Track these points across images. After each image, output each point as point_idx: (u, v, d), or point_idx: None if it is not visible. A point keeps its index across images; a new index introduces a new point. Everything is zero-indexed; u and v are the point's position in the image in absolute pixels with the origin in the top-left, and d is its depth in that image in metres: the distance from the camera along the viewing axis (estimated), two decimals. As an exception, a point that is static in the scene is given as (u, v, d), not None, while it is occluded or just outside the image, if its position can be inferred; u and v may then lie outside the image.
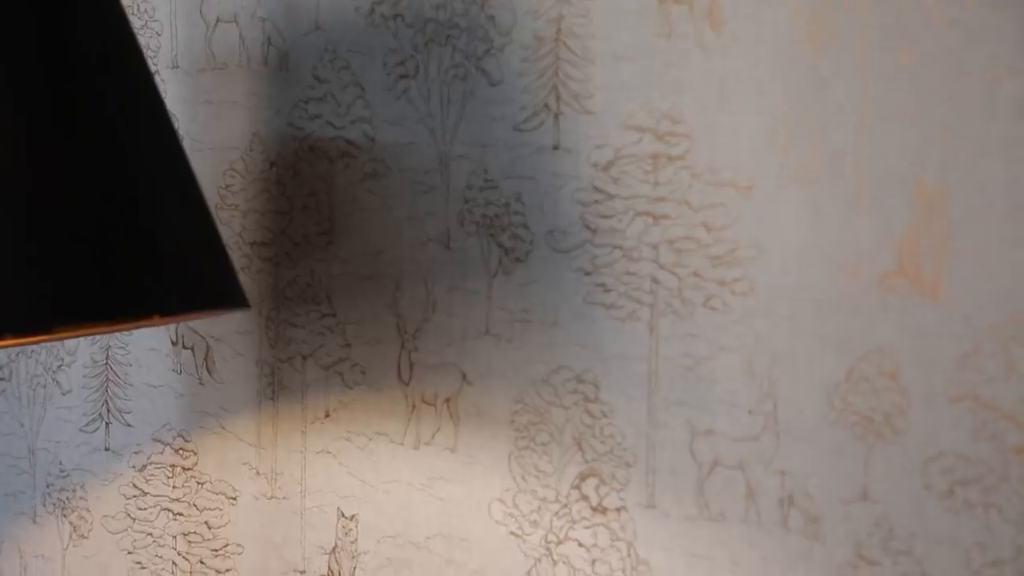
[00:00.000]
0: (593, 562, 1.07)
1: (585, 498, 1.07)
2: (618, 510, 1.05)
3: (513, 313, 1.10)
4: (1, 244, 0.87)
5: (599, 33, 1.04)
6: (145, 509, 1.34)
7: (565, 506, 1.08)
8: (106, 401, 1.37)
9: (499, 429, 1.11)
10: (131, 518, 1.35)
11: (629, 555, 1.05)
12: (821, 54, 0.95)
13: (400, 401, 1.17)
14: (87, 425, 1.39)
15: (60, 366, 1.40)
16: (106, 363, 1.37)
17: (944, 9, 0.90)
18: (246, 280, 1.25)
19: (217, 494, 1.29)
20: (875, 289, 0.93)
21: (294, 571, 1.23)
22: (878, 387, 0.93)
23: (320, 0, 1.20)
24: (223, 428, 1.28)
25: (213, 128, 1.28)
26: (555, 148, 1.07)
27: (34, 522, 1.43)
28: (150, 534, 1.34)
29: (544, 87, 1.07)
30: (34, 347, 1.42)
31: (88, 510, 1.39)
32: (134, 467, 1.35)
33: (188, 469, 1.31)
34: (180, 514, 1.32)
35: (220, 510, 1.29)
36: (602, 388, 1.06)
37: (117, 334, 1.36)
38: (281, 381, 1.24)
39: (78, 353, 1.39)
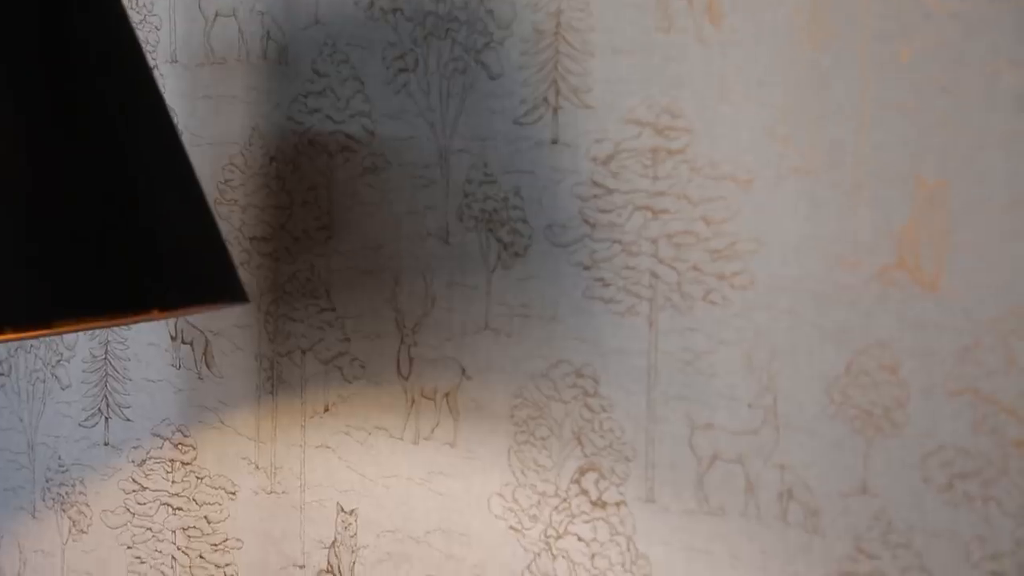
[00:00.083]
0: (592, 556, 1.07)
1: (584, 492, 1.07)
2: (617, 504, 1.05)
3: (512, 308, 1.10)
4: (1, 239, 0.86)
5: (598, 27, 1.04)
6: (144, 504, 1.34)
7: (564, 500, 1.08)
8: (105, 396, 1.37)
9: (498, 424, 1.11)
10: (130, 513, 1.35)
11: (628, 549, 1.05)
12: (821, 47, 0.95)
13: (399, 396, 1.17)
14: (86, 420, 1.39)
15: (59, 361, 1.40)
16: (105, 358, 1.37)
17: (944, 1, 0.90)
18: (245, 275, 1.25)
19: (216, 489, 1.29)
20: (875, 282, 0.93)
21: (293, 565, 1.23)
22: (878, 380, 0.93)
23: (319, -6, 1.20)
24: (222, 423, 1.28)
25: (212, 123, 1.27)
26: (554, 142, 1.07)
27: (33, 517, 1.43)
28: (149, 529, 1.34)
29: (543, 81, 1.07)
30: (33, 342, 1.42)
31: (87, 505, 1.39)
32: (133, 462, 1.35)
33: (187, 464, 1.31)
34: (179, 509, 1.32)
35: (219, 505, 1.29)
36: (601, 382, 1.06)
37: (116, 329, 1.36)
38: (280, 375, 1.24)
39: (77, 348, 1.39)
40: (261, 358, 1.26)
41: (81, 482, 1.39)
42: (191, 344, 1.31)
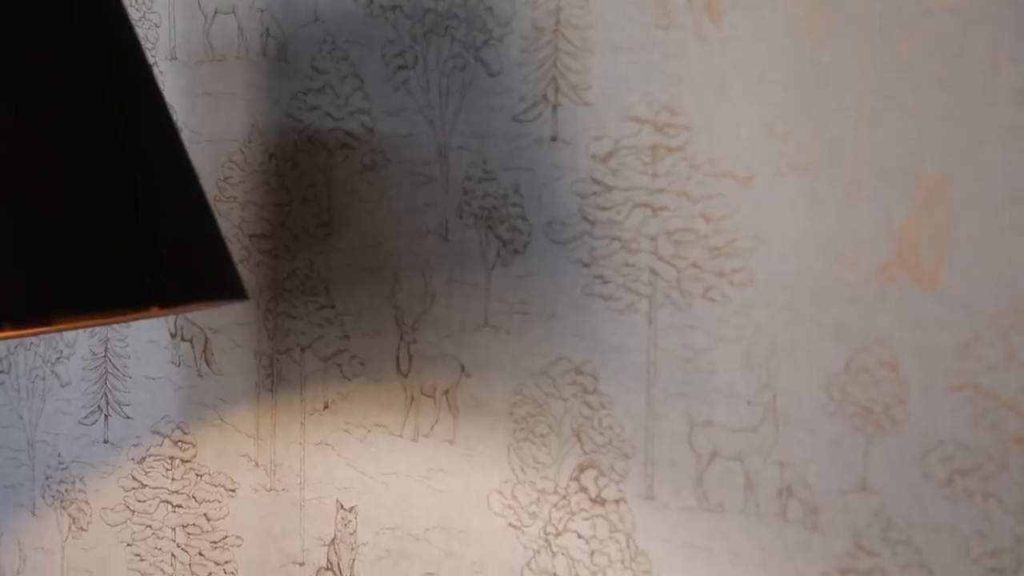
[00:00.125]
0: (592, 553, 1.07)
1: (584, 489, 1.07)
2: (617, 501, 1.05)
3: (511, 305, 1.10)
4: (0, 236, 0.86)
5: (598, 24, 1.04)
6: (144, 501, 1.34)
7: (564, 498, 1.08)
8: (105, 393, 1.37)
9: (498, 421, 1.11)
10: (130, 510, 1.35)
11: (628, 546, 1.05)
12: (820, 43, 0.95)
13: (399, 393, 1.17)
14: (86, 417, 1.39)
15: (59, 358, 1.40)
16: (105, 355, 1.37)
17: (943, -2, 0.90)
18: (245, 272, 1.25)
19: (216, 486, 1.29)
20: (874, 279, 0.93)
21: (293, 563, 1.23)
22: (877, 377, 0.93)
23: (319, -9, 1.20)
24: (222, 420, 1.28)
25: (211, 120, 1.27)
26: (553, 139, 1.07)
27: (33, 514, 1.43)
28: (149, 526, 1.34)
29: (543, 78, 1.07)
30: (33, 339, 1.42)
31: (87, 502, 1.39)
32: (133, 459, 1.35)
33: (187, 461, 1.31)
34: (179, 506, 1.32)
35: (219, 502, 1.29)
36: (601, 380, 1.06)
37: (116, 326, 1.36)
38: (280, 373, 1.24)
39: (77, 345, 1.39)
40: (261, 355, 1.26)
41: (81, 479, 1.39)
42: (191, 341, 1.31)
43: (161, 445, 1.33)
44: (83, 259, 0.89)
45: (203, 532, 1.30)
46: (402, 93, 1.15)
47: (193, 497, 1.31)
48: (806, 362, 0.96)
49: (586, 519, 1.07)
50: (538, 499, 1.09)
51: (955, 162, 0.90)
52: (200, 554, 1.30)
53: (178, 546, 1.32)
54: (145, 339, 1.34)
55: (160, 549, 1.33)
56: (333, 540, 1.21)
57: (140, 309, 1.05)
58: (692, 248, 1.01)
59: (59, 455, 1.41)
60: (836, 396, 0.95)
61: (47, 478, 1.42)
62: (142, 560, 1.35)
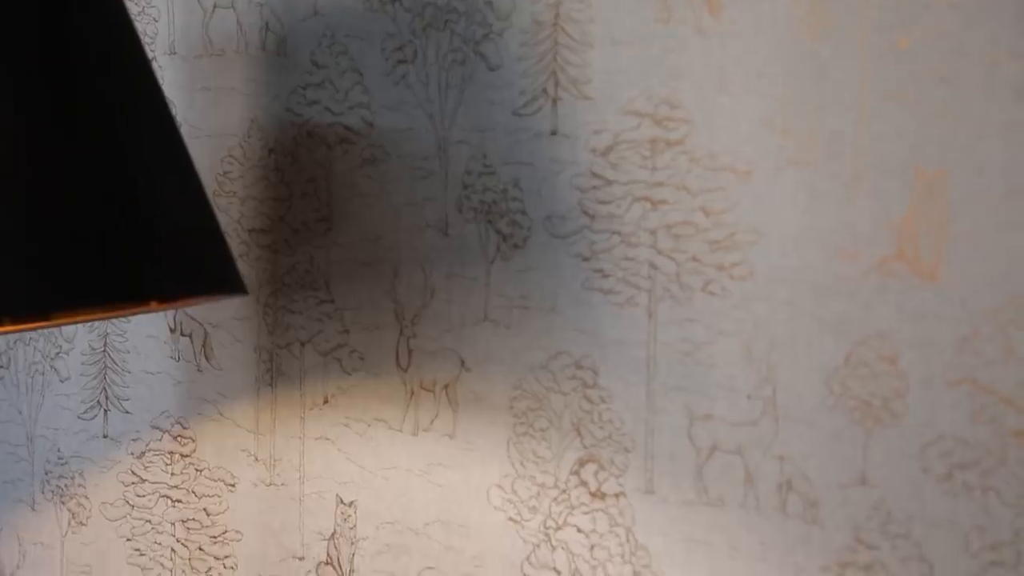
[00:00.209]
0: (592, 547, 1.07)
1: (584, 484, 1.07)
2: (617, 495, 1.05)
3: (511, 299, 1.10)
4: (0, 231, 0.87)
5: (598, 18, 1.04)
6: (144, 496, 1.34)
7: (564, 492, 1.08)
8: (104, 388, 1.37)
9: (497, 415, 1.11)
10: (130, 505, 1.35)
11: (628, 540, 1.05)
12: (820, 38, 0.95)
13: (398, 387, 1.17)
14: (85, 412, 1.39)
15: (58, 353, 1.40)
16: (104, 350, 1.37)
17: (943, -8, 0.90)
18: (244, 267, 1.25)
19: (216, 481, 1.29)
20: (874, 273, 0.93)
21: (293, 557, 1.24)
22: (877, 371, 0.93)
23: (318, -14, 1.20)
24: (221, 415, 1.28)
25: (211, 115, 1.27)
26: (553, 133, 1.07)
27: (33, 509, 1.43)
28: (149, 521, 1.34)
29: (543, 72, 1.07)
30: (32, 334, 1.42)
31: (87, 497, 1.39)
32: (132, 454, 1.35)
33: (186, 456, 1.31)
34: (179, 501, 1.32)
35: (219, 497, 1.29)
36: (600, 374, 1.06)
37: (115, 321, 1.36)
38: (279, 367, 1.24)
39: (76, 340, 1.39)
40: (260, 350, 1.26)
41: (80, 474, 1.39)
42: (190, 336, 1.31)
43: (160, 440, 1.33)
44: (82, 254, 0.89)
45: (203, 527, 1.30)
46: (402, 87, 1.15)
47: (193, 492, 1.31)
48: (806, 356, 0.96)
49: (586, 513, 1.07)
50: (538, 493, 1.09)
51: (954, 157, 0.90)
52: (200, 549, 1.30)
53: (178, 541, 1.32)
54: (144, 334, 1.34)
55: (160, 544, 1.33)
56: (333, 535, 1.21)
57: (139, 303, 1.05)
58: (692, 242, 1.01)
59: (58, 450, 1.41)
60: (836, 390, 0.95)
61: (46, 473, 1.42)
62: (142, 555, 1.35)
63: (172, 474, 1.32)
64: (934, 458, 0.92)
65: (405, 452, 1.16)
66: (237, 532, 1.28)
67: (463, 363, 1.13)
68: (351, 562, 1.20)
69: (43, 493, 1.42)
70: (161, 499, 1.33)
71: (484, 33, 1.10)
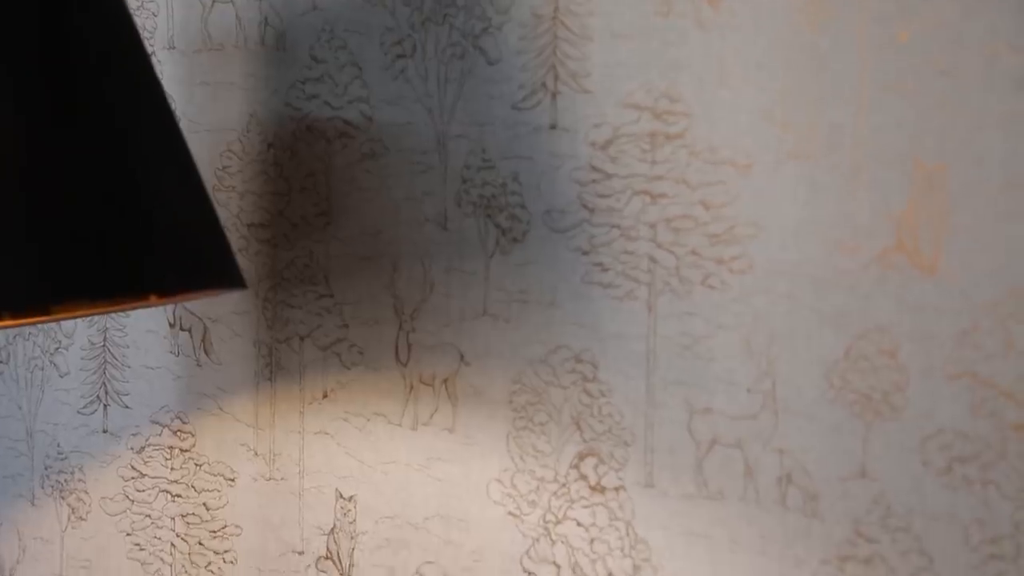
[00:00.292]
0: (591, 541, 1.07)
1: (583, 477, 1.07)
2: (616, 489, 1.05)
3: (511, 293, 1.10)
4: (-1, 225, 0.87)
5: (597, 11, 1.04)
6: (143, 491, 1.34)
7: (563, 486, 1.08)
8: (104, 383, 1.37)
9: (497, 409, 1.11)
10: (129, 500, 1.35)
11: (627, 534, 1.05)
12: (819, 30, 0.95)
13: (398, 382, 1.17)
14: (85, 407, 1.39)
15: (58, 348, 1.40)
16: (104, 345, 1.37)
17: (942, -16, 0.90)
18: (244, 262, 1.25)
19: (215, 475, 1.29)
20: (874, 266, 0.93)
21: (292, 552, 1.24)
22: (876, 365, 0.93)
23: (317, -20, 1.20)
24: (221, 409, 1.28)
25: (210, 109, 1.27)
26: (552, 127, 1.07)
27: (32, 504, 1.43)
28: (148, 516, 1.34)
29: (542, 66, 1.07)
30: (32, 329, 1.42)
31: (86, 492, 1.39)
32: (132, 449, 1.35)
33: (186, 451, 1.31)
34: (178, 496, 1.32)
35: (218, 491, 1.29)
36: (600, 367, 1.06)
37: (114, 316, 1.36)
38: (279, 362, 1.24)
39: (76, 335, 1.39)
40: (259, 345, 1.25)
41: (80, 469, 1.39)
42: (189, 331, 1.30)
43: (160, 435, 1.33)
44: (82, 249, 0.89)
45: (202, 521, 1.30)
46: (401, 81, 1.15)
47: (192, 486, 1.31)
48: (805, 349, 0.96)
49: (586, 507, 1.07)
50: (537, 487, 1.09)
51: (954, 149, 0.90)
52: (199, 543, 1.30)
53: (177, 535, 1.32)
54: (144, 329, 1.34)
55: (159, 538, 1.33)
56: (332, 529, 1.21)
57: (138, 298, 1.05)
58: (691, 235, 1.01)
59: (58, 445, 1.41)
60: (835, 383, 0.95)
61: (46, 468, 1.42)
62: (141, 550, 1.35)
63: (172, 469, 1.32)
64: (934, 451, 0.92)
65: (404, 446, 1.16)
66: (237, 526, 1.28)
67: (462, 357, 1.13)
68: (351, 556, 1.20)
69: (43, 488, 1.42)
70: (161, 494, 1.33)
71: (483, 27, 1.10)
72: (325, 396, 1.21)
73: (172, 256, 0.95)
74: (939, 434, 0.91)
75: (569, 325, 1.07)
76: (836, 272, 0.95)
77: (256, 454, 1.26)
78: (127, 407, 1.35)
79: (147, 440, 1.34)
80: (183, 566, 1.32)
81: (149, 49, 1.30)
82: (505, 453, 1.10)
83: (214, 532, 1.29)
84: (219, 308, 1.28)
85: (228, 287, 1.00)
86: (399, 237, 1.16)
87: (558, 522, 1.08)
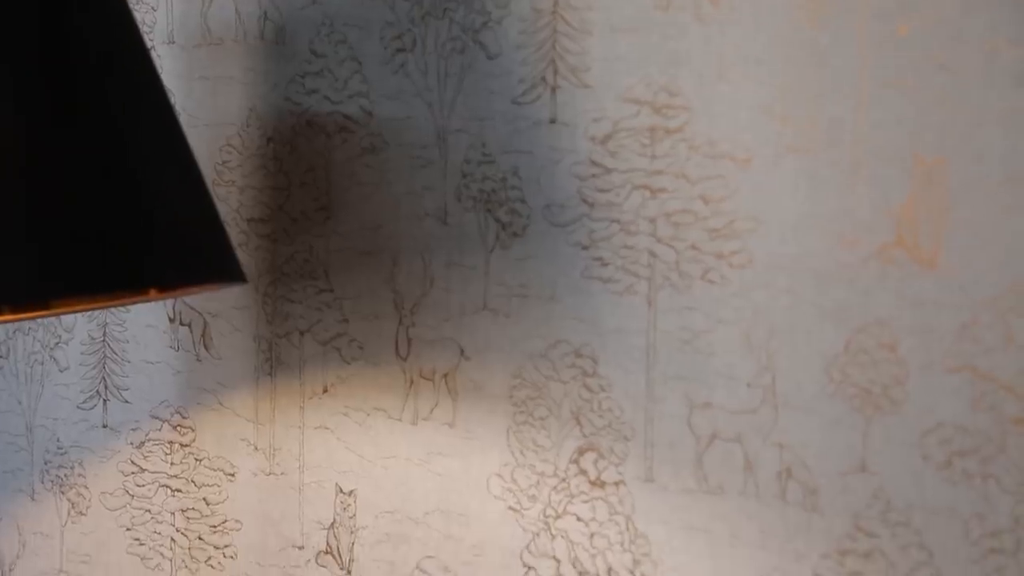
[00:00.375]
0: (591, 536, 1.07)
1: (583, 472, 1.07)
2: (616, 484, 1.05)
3: (511, 288, 1.10)
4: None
5: (596, 5, 1.04)
6: (143, 486, 1.34)
7: (563, 480, 1.08)
8: (104, 378, 1.37)
9: (497, 404, 1.11)
10: (129, 495, 1.35)
11: (627, 529, 1.05)
12: (819, 25, 0.94)
13: (398, 376, 1.17)
14: (85, 402, 1.39)
15: (58, 343, 1.40)
16: (103, 340, 1.37)
17: (942, -21, 0.90)
18: (244, 256, 1.25)
19: (215, 470, 1.29)
20: (874, 260, 0.93)
21: (292, 546, 1.24)
22: (876, 359, 0.93)
23: (316, -26, 1.19)
24: (221, 404, 1.28)
25: (209, 104, 1.27)
26: (552, 122, 1.07)
27: (32, 499, 1.43)
28: (148, 510, 1.34)
29: (542, 60, 1.07)
30: (31, 324, 1.42)
31: (86, 487, 1.39)
32: (132, 444, 1.35)
33: (186, 445, 1.31)
34: (178, 490, 1.32)
35: (218, 486, 1.29)
36: (600, 362, 1.06)
37: (114, 311, 1.36)
38: (279, 357, 1.24)
39: (75, 330, 1.39)
40: (259, 339, 1.25)
41: (80, 464, 1.39)
42: (189, 326, 1.30)
43: (160, 430, 1.33)
44: (82, 242, 0.89)
45: (202, 516, 1.30)
46: (400, 76, 1.15)
47: (192, 481, 1.31)
48: (805, 344, 0.96)
49: (585, 502, 1.07)
50: (537, 482, 1.09)
51: (954, 144, 0.90)
52: (199, 538, 1.31)
53: (177, 530, 1.32)
54: (143, 323, 1.34)
55: (159, 533, 1.33)
56: (332, 524, 1.21)
57: (138, 292, 1.05)
58: (691, 230, 1.01)
59: (58, 440, 1.41)
60: (835, 377, 0.95)
61: (46, 463, 1.42)
62: (141, 544, 1.35)
63: (172, 464, 1.32)
64: (934, 446, 0.92)
65: (404, 441, 1.17)
66: (237, 521, 1.28)
67: (462, 352, 1.13)
68: (351, 551, 1.20)
69: (43, 483, 1.42)
70: (161, 488, 1.33)
71: (483, 21, 1.10)
72: (325, 391, 1.21)
73: (172, 250, 0.95)
74: (939, 428, 0.91)
75: (569, 320, 1.07)
76: (836, 266, 0.95)
77: (256, 449, 1.26)
78: (127, 402, 1.35)
79: (147, 435, 1.34)
80: (183, 561, 1.32)
81: (148, 44, 1.30)
82: (505, 448, 1.11)
83: (214, 527, 1.29)
84: (219, 303, 1.28)
85: (228, 281, 1.00)
86: (399, 232, 1.16)
87: (558, 517, 1.08)
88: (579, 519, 1.07)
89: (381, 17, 1.15)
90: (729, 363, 0.99)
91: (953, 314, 0.90)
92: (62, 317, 1.39)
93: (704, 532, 1.01)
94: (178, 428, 1.32)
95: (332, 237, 1.20)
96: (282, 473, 1.24)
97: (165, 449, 1.33)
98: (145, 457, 1.34)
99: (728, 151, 0.99)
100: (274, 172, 1.24)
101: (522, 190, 1.09)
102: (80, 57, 0.92)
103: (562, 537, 1.08)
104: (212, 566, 1.29)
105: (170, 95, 1.27)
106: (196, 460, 1.30)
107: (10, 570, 1.45)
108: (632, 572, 1.04)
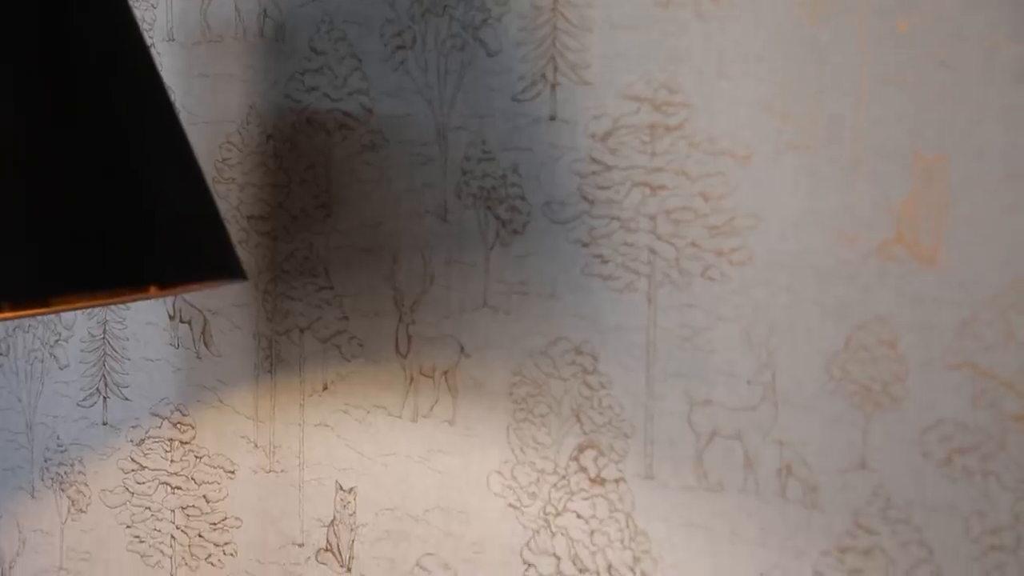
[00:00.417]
0: (591, 533, 1.07)
1: (583, 469, 1.07)
2: (616, 481, 1.05)
3: (511, 285, 1.10)
4: (-1, 216, 0.87)
5: (596, 2, 1.04)
6: (143, 483, 1.34)
7: (563, 478, 1.08)
8: (104, 375, 1.37)
9: (497, 401, 1.11)
10: (129, 492, 1.35)
11: (627, 526, 1.05)
12: (819, 22, 0.94)
13: (398, 374, 1.17)
14: (85, 400, 1.39)
15: (58, 341, 1.40)
16: (103, 337, 1.37)
17: (943, -25, 0.90)
18: (244, 254, 1.25)
19: (215, 468, 1.29)
20: (874, 257, 0.93)
21: (293, 544, 1.24)
22: (876, 356, 0.93)
23: (316, -28, 1.19)
24: (221, 402, 1.28)
25: (209, 101, 1.27)
26: (552, 119, 1.07)
27: (32, 497, 1.43)
28: (148, 508, 1.34)
29: (542, 57, 1.07)
30: (31, 322, 1.42)
31: (86, 484, 1.39)
32: (132, 441, 1.35)
33: (186, 443, 1.31)
34: (178, 488, 1.32)
35: (218, 484, 1.29)
36: (600, 359, 1.06)
37: (114, 308, 1.36)
38: (279, 354, 1.24)
39: (75, 328, 1.39)
40: (259, 337, 1.25)
41: (80, 462, 1.39)
42: (189, 323, 1.30)
43: (160, 427, 1.33)
44: (82, 239, 0.89)
45: (202, 514, 1.30)
46: (400, 73, 1.15)
47: (192, 479, 1.31)
48: (805, 341, 0.96)
49: (585, 499, 1.07)
50: (537, 479, 1.09)
51: (954, 141, 0.90)
52: (199, 536, 1.31)
53: (177, 528, 1.32)
54: (144, 321, 1.34)
55: (159, 531, 1.33)
56: (332, 521, 1.21)
57: (138, 289, 1.05)
58: (691, 227, 1.00)
59: (58, 437, 1.41)
60: (835, 374, 0.95)
61: (46, 460, 1.42)
62: (141, 542, 1.35)
63: (172, 461, 1.32)
64: (934, 443, 0.92)
65: (404, 438, 1.16)
66: (237, 519, 1.28)
67: (462, 349, 1.13)
68: (351, 548, 1.20)
69: (43, 480, 1.42)
70: (161, 486, 1.33)
71: (483, 18, 1.10)
72: (325, 388, 1.21)
73: (172, 248, 0.95)
74: (939, 425, 0.91)
75: (569, 317, 1.07)
76: (836, 263, 0.95)
77: (256, 446, 1.26)
78: (127, 399, 1.35)
79: (147, 432, 1.34)
80: (183, 558, 1.32)
81: (148, 41, 1.30)
82: (505, 445, 1.11)
83: (214, 524, 1.29)
84: (219, 300, 1.28)
85: (228, 279, 1.00)
86: (399, 229, 1.16)
87: (558, 514, 1.08)
88: (579, 516, 1.07)
89: (381, 14, 1.15)
90: (729, 360, 0.99)
91: (953, 311, 0.90)
92: (62, 314, 1.39)
93: (704, 529, 1.01)
94: (178, 425, 1.32)
95: (332, 234, 1.20)
96: (282, 470, 1.24)
97: (165, 446, 1.33)
98: (145, 454, 1.34)
99: (728, 148, 0.99)
100: (274, 169, 1.23)
101: (522, 187, 1.09)
102: (80, 55, 0.92)
103: (562, 534, 1.08)
104: (212, 563, 1.30)
105: (170, 92, 1.27)
106: (196, 457, 1.30)
107: (10, 567, 1.45)
108: (632, 569, 1.04)
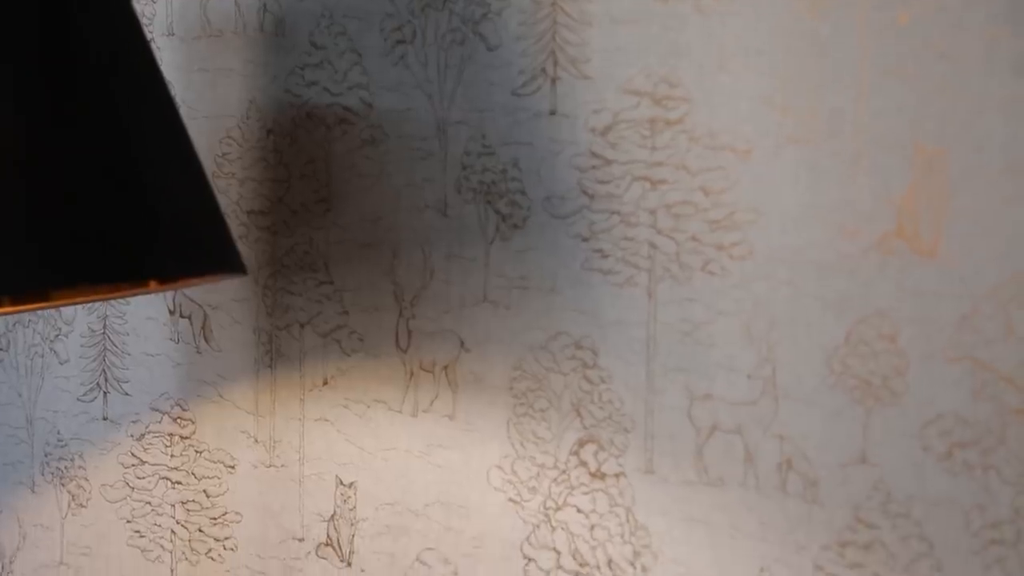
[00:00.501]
0: (592, 528, 1.07)
1: (583, 464, 1.07)
2: (616, 476, 1.05)
3: (511, 280, 1.10)
4: (-1, 210, 0.87)
5: (596, -4, 1.04)
6: (143, 478, 1.34)
7: (564, 472, 1.08)
8: (104, 370, 1.37)
9: (497, 396, 1.11)
10: (129, 487, 1.35)
11: (628, 520, 1.05)
12: (819, 15, 0.94)
13: (398, 368, 1.17)
14: (85, 395, 1.39)
15: (58, 336, 1.40)
16: (103, 332, 1.37)
17: (943, -32, 0.90)
18: (244, 248, 1.25)
19: (215, 462, 1.29)
20: (874, 251, 0.93)
21: (293, 539, 1.24)
22: (877, 350, 0.93)
23: (316, -34, 1.19)
24: (221, 396, 1.28)
25: (209, 96, 1.27)
26: (552, 113, 1.07)
27: (32, 491, 1.43)
28: (148, 503, 1.34)
29: (541, 51, 1.07)
30: (31, 316, 1.42)
31: (86, 479, 1.39)
32: (132, 436, 1.35)
33: (186, 438, 1.31)
34: (178, 483, 1.32)
35: (218, 478, 1.29)
36: (600, 354, 1.05)
37: (114, 303, 1.36)
38: (279, 349, 1.24)
39: (75, 323, 1.39)
40: (260, 332, 1.25)
41: (80, 456, 1.39)
42: (189, 318, 1.30)
43: (160, 422, 1.33)
44: (82, 234, 0.89)
45: (202, 508, 1.30)
46: (400, 68, 1.14)
47: (192, 473, 1.31)
48: (806, 335, 0.96)
49: (586, 493, 1.07)
50: (538, 474, 1.09)
51: (954, 133, 0.90)
52: (200, 530, 1.31)
53: (177, 522, 1.32)
54: (143, 316, 1.34)
55: (159, 525, 1.33)
56: (332, 516, 1.21)
57: (138, 284, 1.05)
58: (691, 221, 1.00)
59: (58, 432, 1.41)
60: (836, 369, 0.95)
61: (46, 455, 1.42)
62: (142, 536, 1.35)
63: (172, 456, 1.32)
64: (934, 437, 0.92)
65: (405, 433, 1.16)
66: (237, 513, 1.28)
67: (462, 344, 1.13)
68: (351, 543, 1.20)
69: (43, 475, 1.42)
70: (161, 481, 1.33)
71: (483, 13, 1.09)
72: (325, 383, 1.21)
73: (172, 242, 0.95)
74: (939, 419, 0.91)
75: (569, 311, 1.07)
76: (836, 257, 0.94)
77: (256, 441, 1.26)
78: (127, 394, 1.35)
79: (147, 427, 1.34)
80: (183, 553, 1.32)
81: (148, 36, 1.30)
82: (505, 440, 1.10)
83: (214, 519, 1.29)
84: (219, 295, 1.28)
85: (228, 273, 1.00)
86: (399, 224, 1.15)
87: (558, 508, 1.08)
88: (579, 511, 1.07)
89: (381, 9, 1.15)
90: (729, 355, 0.99)
91: (954, 304, 0.90)
92: (62, 309, 1.39)
93: (704, 524, 1.01)
94: (178, 420, 1.32)
95: (332, 229, 1.20)
96: (282, 465, 1.24)
97: (165, 441, 1.33)
98: (145, 449, 1.34)
99: (728, 142, 0.98)
100: (274, 164, 1.23)
101: (522, 182, 1.08)
102: (81, 51, 0.92)
103: (562, 529, 1.08)
104: (212, 558, 1.30)
105: (170, 87, 1.26)
106: (196, 452, 1.30)
107: (11, 562, 1.45)
108: (632, 564, 1.04)
